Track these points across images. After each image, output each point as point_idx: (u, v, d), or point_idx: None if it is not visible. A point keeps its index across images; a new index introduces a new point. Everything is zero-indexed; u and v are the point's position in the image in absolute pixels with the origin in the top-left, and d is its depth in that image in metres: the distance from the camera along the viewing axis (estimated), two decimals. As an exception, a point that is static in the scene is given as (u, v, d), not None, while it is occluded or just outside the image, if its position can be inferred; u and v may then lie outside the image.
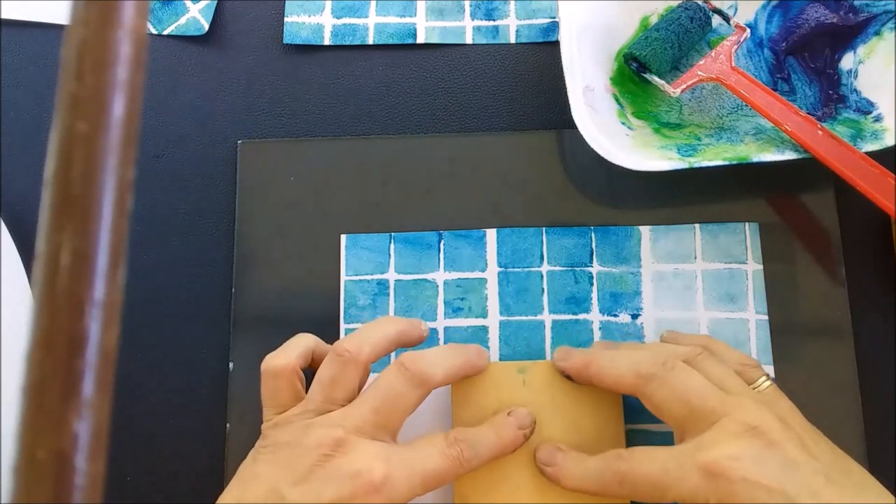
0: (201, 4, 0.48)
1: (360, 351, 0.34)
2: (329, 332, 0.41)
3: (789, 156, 0.39)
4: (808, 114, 0.40)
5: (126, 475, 0.40)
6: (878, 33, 0.42)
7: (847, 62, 0.43)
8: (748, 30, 0.43)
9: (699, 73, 0.42)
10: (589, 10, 0.43)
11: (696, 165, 0.39)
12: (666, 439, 0.39)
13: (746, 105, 0.43)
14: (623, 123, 0.42)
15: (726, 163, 0.39)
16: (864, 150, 0.38)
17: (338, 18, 0.47)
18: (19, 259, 0.40)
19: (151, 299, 0.43)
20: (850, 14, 0.43)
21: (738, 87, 0.41)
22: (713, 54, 0.42)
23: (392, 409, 0.33)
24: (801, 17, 0.44)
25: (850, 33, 0.43)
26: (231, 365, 0.41)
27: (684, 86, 0.42)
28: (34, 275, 0.14)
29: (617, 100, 0.44)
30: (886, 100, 0.40)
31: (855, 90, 0.42)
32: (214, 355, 0.42)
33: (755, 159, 0.39)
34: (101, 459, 0.14)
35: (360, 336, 0.35)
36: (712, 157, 0.40)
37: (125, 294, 0.15)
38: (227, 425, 0.40)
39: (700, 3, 0.44)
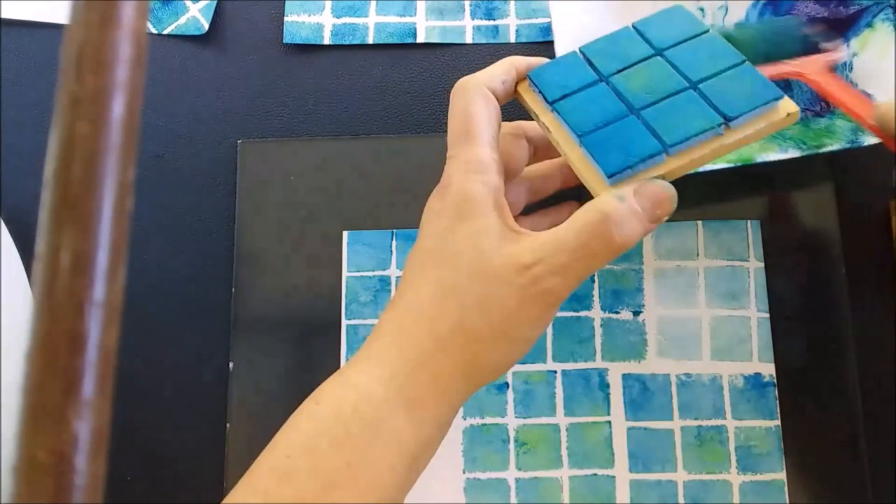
0: (201, 4, 0.47)
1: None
2: (330, 329, 0.41)
3: (792, 154, 0.39)
4: (806, 109, 0.40)
5: (126, 475, 0.40)
6: (870, 25, 0.42)
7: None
8: (845, 48, 0.41)
9: (787, 68, 0.39)
10: (582, 20, 0.43)
11: (700, 169, 0.39)
12: (665, 437, 0.39)
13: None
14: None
15: (730, 164, 0.39)
16: (865, 144, 0.38)
17: (338, 18, 0.47)
18: (19, 259, 0.40)
19: (151, 299, 0.43)
20: (841, 7, 0.42)
21: (827, 88, 0.38)
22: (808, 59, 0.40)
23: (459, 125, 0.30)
24: (791, 13, 0.44)
25: (842, 26, 0.43)
26: (231, 365, 0.41)
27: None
28: (34, 275, 0.14)
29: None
30: (883, 91, 0.40)
31: (851, 83, 0.42)
32: (214, 355, 0.42)
33: (759, 160, 0.39)
34: (102, 459, 0.14)
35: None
36: None
37: (125, 294, 0.15)
38: (227, 425, 0.40)
39: (808, 32, 0.41)
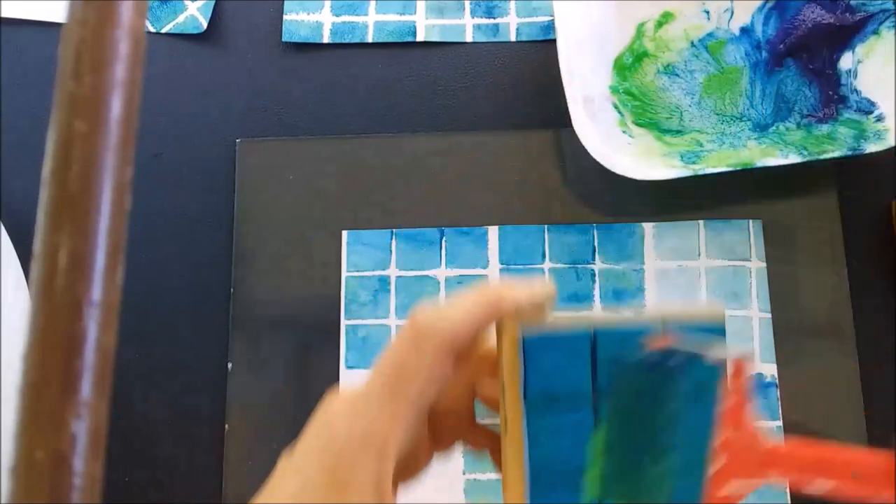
0: (200, 3, 0.47)
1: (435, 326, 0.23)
2: (329, 329, 0.41)
3: (793, 159, 0.39)
4: (809, 115, 0.40)
5: (125, 476, 0.40)
6: (876, 32, 0.42)
7: (846, 62, 0.43)
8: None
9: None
10: (585, 20, 0.43)
11: (701, 172, 0.39)
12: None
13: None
14: (624, 132, 0.42)
15: (731, 168, 0.39)
16: (867, 151, 0.38)
17: (337, 16, 0.47)
18: (17, 259, 0.40)
19: (150, 299, 0.43)
20: (847, 14, 0.42)
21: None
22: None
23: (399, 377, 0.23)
24: (797, 17, 0.44)
25: (848, 33, 0.43)
26: (230, 365, 0.41)
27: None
28: (32, 275, 0.14)
29: (617, 108, 0.43)
30: (887, 99, 0.40)
31: (855, 90, 0.42)
32: (213, 356, 0.42)
33: (759, 164, 0.39)
34: (100, 460, 0.14)
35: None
36: (716, 163, 0.40)
37: (123, 294, 0.15)
38: (227, 425, 0.40)
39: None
